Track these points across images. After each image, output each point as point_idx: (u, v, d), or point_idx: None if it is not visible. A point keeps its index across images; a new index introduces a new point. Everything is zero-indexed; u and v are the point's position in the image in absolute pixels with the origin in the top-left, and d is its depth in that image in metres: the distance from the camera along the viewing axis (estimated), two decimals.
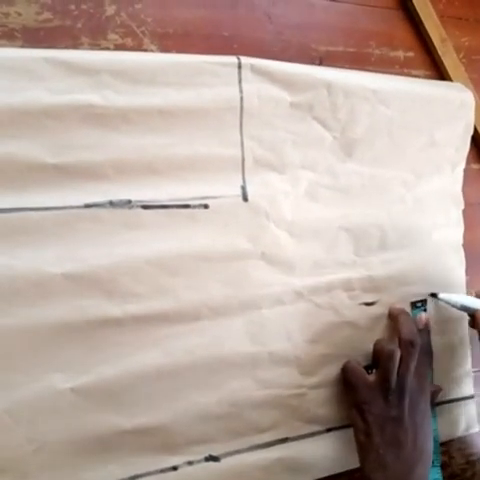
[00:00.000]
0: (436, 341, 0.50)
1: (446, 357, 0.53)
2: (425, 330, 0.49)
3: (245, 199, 0.43)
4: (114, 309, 0.39)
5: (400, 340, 0.46)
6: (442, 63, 0.54)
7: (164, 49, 0.43)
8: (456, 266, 0.54)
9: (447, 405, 0.54)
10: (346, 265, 0.48)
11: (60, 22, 0.40)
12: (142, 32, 0.42)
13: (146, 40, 0.42)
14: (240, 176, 0.43)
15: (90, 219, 0.38)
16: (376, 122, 0.48)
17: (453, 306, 0.51)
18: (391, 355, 0.45)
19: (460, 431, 0.55)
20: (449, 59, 0.54)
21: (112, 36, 0.41)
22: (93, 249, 0.39)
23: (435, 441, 0.50)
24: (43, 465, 0.38)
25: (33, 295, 0.37)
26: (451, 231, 0.54)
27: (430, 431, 0.47)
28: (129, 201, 0.39)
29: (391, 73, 0.52)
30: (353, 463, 0.47)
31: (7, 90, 0.35)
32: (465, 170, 0.54)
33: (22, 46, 0.39)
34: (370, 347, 0.49)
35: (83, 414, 0.39)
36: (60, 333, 0.38)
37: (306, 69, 0.44)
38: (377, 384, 0.45)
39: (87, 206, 0.38)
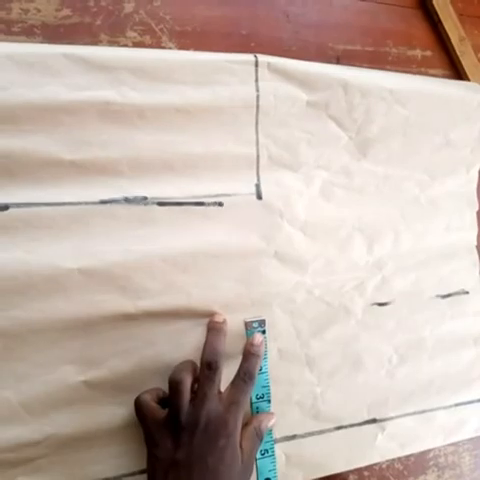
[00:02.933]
0: (449, 340, 0.50)
1: (458, 359, 0.53)
2: (255, 354, 0.41)
3: (259, 197, 0.43)
4: (127, 304, 0.39)
5: (201, 363, 0.39)
6: (460, 63, 0.54)
7: (182, 47, 0.43)
8: (470, 267, 0.54)
9: (458, 407, 0.53)
10: (359, 265, 0.48)
11: (79, 19, 0.40)
12: (160, 30, 0.42)
13: (164, 38, 0.42)
14: (255, 174, 0.43)
15: (105, 215, 0.39)
16: (392, 122, 0.47)
17: None
18: (177, 386, 0.37)
19: (470, 432, 0.54)
20: (467, 59, 0.54)
21: (131, 33, 0.41)
22: (108, 245, 0.39)
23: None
24: (54, 458, 0.39)
25: (48, 289, 0.37)
26: (465, 232, 0.53)
27: (232, 472, 0.38)
28: (145, 198, 0.39)
29: (408, 72, 0.52)
30: (362, 461, 0.47)
31: (25, 85, 0.36)
32: None
33: (41, 42, 0.39)
34: (381, 346, 0.49)
35: (95, 407, 0.39)
36: (74, 327, 0.38)
37: (323, 68, 0.44)
38: (167, 422, 0.38)
39: (102, 202, 0.38)
